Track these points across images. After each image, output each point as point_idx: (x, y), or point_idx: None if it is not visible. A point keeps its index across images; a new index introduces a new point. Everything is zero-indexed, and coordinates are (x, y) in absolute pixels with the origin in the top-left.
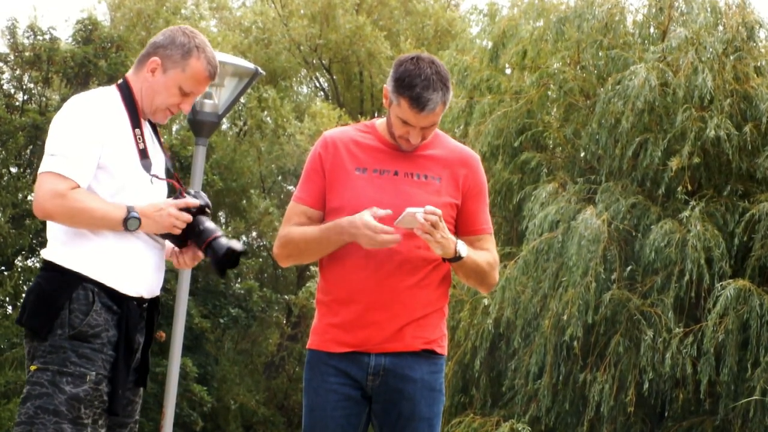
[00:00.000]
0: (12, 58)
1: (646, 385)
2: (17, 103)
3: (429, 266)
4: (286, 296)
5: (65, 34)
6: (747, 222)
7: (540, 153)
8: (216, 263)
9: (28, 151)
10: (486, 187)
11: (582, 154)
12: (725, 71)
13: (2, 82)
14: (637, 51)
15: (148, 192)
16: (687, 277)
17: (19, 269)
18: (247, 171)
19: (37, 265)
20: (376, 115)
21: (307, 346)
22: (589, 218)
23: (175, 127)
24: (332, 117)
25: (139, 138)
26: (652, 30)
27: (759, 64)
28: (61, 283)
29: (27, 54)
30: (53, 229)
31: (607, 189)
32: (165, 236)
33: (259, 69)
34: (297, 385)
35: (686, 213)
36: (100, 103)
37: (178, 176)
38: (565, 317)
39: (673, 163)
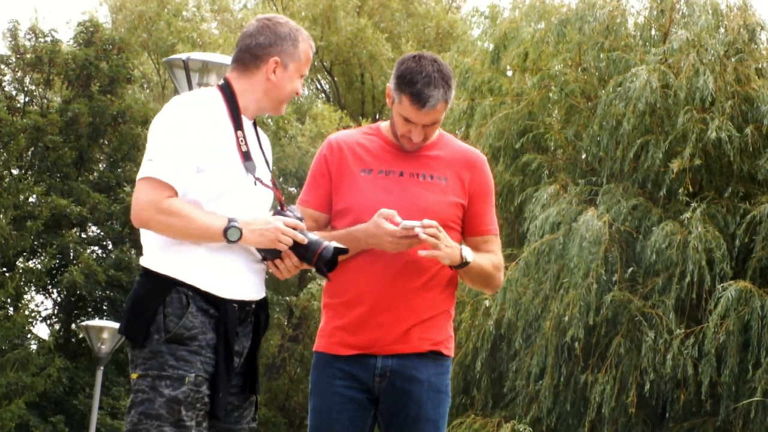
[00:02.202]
0: (13, 60)
1: (647, 387)
2: (18, 105)
3: (435, 267)
4: (287, 298)
5: (66, 36)
6: (748, 224)
7: (541, 155)
8: (327, 268)
9: (29, 152)
10: (492, 189)
11: (583, 156)
12: (726, 73)
13: (4, 83)
14: (639, 53)
15: (251, 196)
16: (688, 279)
17: (20, 271)
18: None
19: (38, 266)
20: (378, 117)
21: (313, 349)
22: (591, 220)
23: None
24: (333, 119)
25: (242, 140)
26: (653, 32)
27: (760, 66)
28: (155, 288)
29: (28, 56)
30: (147, 236)
31: (608, 191)
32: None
33: None
34: (298, 387)
35: (687, 214)
36: (201, 105)
37: (277, 188)
38: (566, 318)
39: (675, 165)
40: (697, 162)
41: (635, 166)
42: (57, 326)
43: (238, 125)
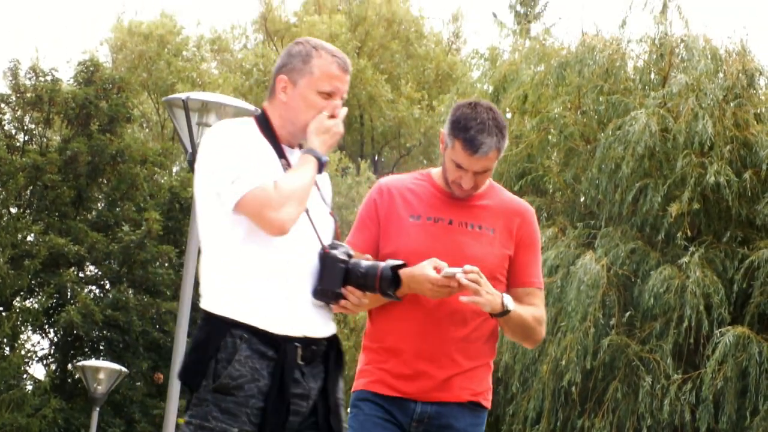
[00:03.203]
0: (14, 98)
1: None
2: (18, 144)
3: (479, 318)
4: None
5: (67, 76)
6: (746, 269)
7: (540, 197)
8: (392, 289)
9: (28, 191)
10: (539, 242)
11: (582, 199)
12: (725, 118)
13: (3, 122)
14: (638, 96)
15: (308, 227)
16: (686, 324)
17: (17, 310)
18: None
19: (35, 306)
20: (377, 158)
21: (352, 390)
22: (589, 263)
23: (175, 169)
24: (332, 159)
25: (286, 167)
26: (652, 76)
27: (759, 111)
28: (211, 331)
29: (28, 95)
30: (205, 275)
31: (606, 234)
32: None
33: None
34: None
35: (686, 259)
36: (241, 131)
37: (336, 220)
38: (563, 362)
39: (673, 209)
40: (696, 206)
41: (634, 209)
42: (53, 366)
43: (280, 152)
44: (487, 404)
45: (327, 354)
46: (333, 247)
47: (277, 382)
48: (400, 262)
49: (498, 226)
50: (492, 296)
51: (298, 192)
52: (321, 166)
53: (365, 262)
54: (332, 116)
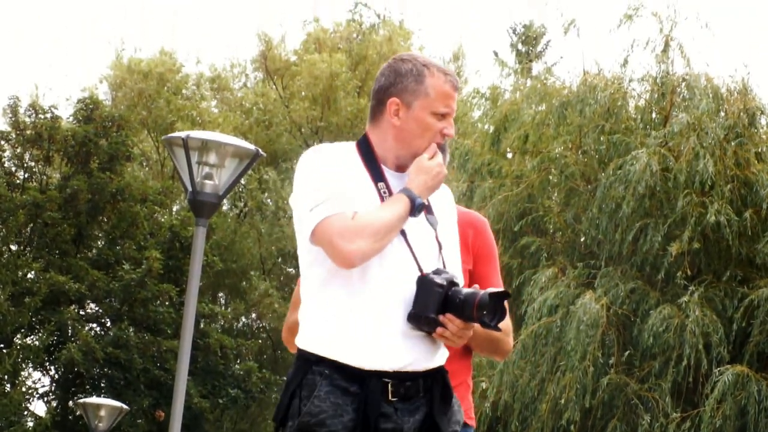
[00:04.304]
0: (13, 136)
1: None
2: (18, 181)
3: None
4: (285, 378)
5: (66, 113)
6: (746, 308)
7: (540, 237)
8: (491, 318)
9: (28, 229)
10: (496, 252)
11: (582, 239)
12: (726, 157)
13: (3, 160)
14: (639, 136)
15: (403, 247)
16: (685, 362)
17: (18, 347)
18: (248, 252)
19: (36, 343)
20: None
21: None
22: (588, 303)
23: (175, 207)
24: None
25: (384, 192)
26: (654, 115)
27: (760, 150)
28: (297, 369)
29: (28, 132)
30: (300, 311)
31: (606, 274)
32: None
33: (260, 150)
34: None
35: (685, 298)
36: (333, 154)
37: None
38: (562, 401)
39: (673, 249)
40: (696, 245)
41: (634, 249)
42: (54, 403)
43: (377, 177)
44: (472, 422)
45: (431, 388)
46: (437, 273)
47: (361, 416)
48: (500, 290)
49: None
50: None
51: (376, 227)
52: (414, 208)
53: (467, 289)
54: (432, 156)
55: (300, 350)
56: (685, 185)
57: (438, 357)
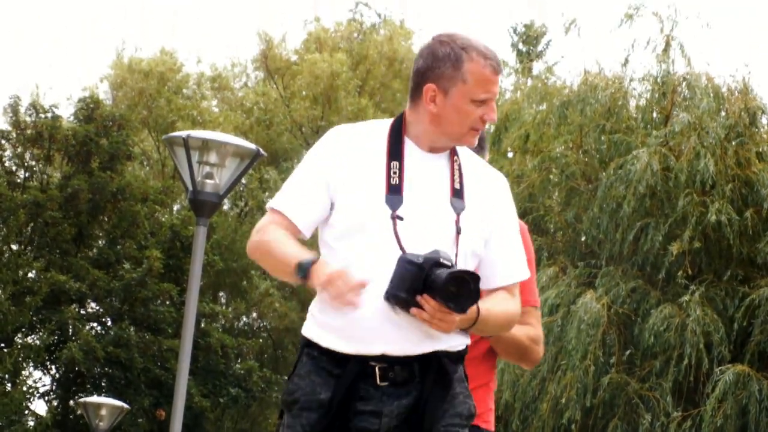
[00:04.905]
0: (14, 135)
1: None
2: (18, 181)
3: (472, 338)
4: (286, 377)
5: (67, 112)
6: (747, 307)
7: (541, 237)
8: (449, 300)
9: (28, 228)
10: (533, 259)
11: (583, 238)
12: (727, 156)
13: (4, 159)
14: (640, 135)
15: (389, 233)
16: (686, 362)
17: (19, 346)
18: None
19: (37, 342)
20: None
21: None
22: (589, 302)
23: (176, 207)
24: None
25: (395, 172)
26: (654, 115)
27: (761, 149)
28: (297, 354)
29: (29, 131)
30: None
31: (607, 273)
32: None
33: (261, 150)
34: None
35: (686, 297)
36: (352, 135)
37: (460, 229)
38: (563, 400)
39: (674, 248)
40: (697, 245)
41: (635, 248)
42: (55, 403)
43: (394, 155)
44: (488, 426)
45: (425, 373)
46: (432, 254)
47: (339, 396)
48: (463, 269)
49: None
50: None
51: (265, 253)
52: (299, 273)
53: (445, 269)
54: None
55: (302, 334)
56: (685, 185)
57: (435, 341)
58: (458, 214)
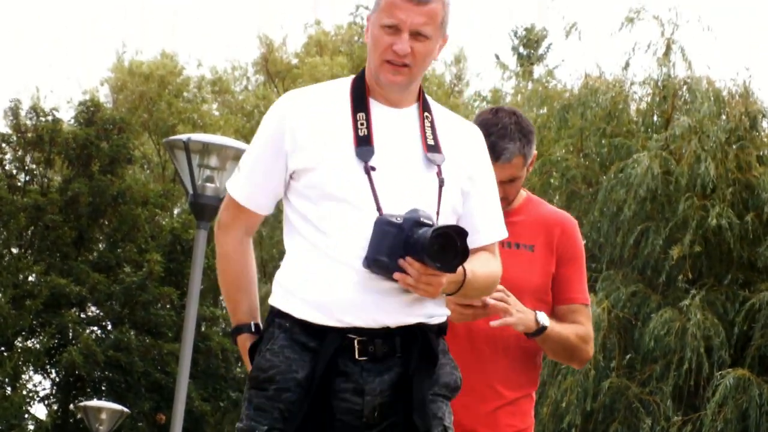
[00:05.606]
0: (14, 138)
1: None
2: (19, 184)
3: (520, 345)
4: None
5: (67, 116)
6: (747, 311)
7: None
8: (434, 259)
9: (29, 231)
10: (583, 255)
11: (583, 242)
12: (728, 160)
13: (4, 162)
14: (641, 139)
15: (365, 185)
16: (686, 366)
17: (19, 350)
18: None
19: (37, 346)
20: None
21: None
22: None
23: (176, 210)
24: None
25: (362, 123)
26: (655, 118)
27: (761, 153)
28: (265, 324)
29: (29, 135)
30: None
31: (607, 277)
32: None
33: None
34: None
35: (686, 301)
36: (303, 97)
37: (441, 177)
38: (563, 404)
39: (675, 252)
40: (697, 249)
41: (635, 252)
42: (55, 406)
43: (359, 108)
44: None
45: (408, 347)
46: (411, 213)
47: (308, 376)
48: (449, 225)
49: (538, 242)
50: (523, 314)
51: (222, 284)
52: (232, 331)
53: (426, 228)
54: None
55: (269, 304)
56: (686, 188)
57: (418, 312)
58: (439, 166)
